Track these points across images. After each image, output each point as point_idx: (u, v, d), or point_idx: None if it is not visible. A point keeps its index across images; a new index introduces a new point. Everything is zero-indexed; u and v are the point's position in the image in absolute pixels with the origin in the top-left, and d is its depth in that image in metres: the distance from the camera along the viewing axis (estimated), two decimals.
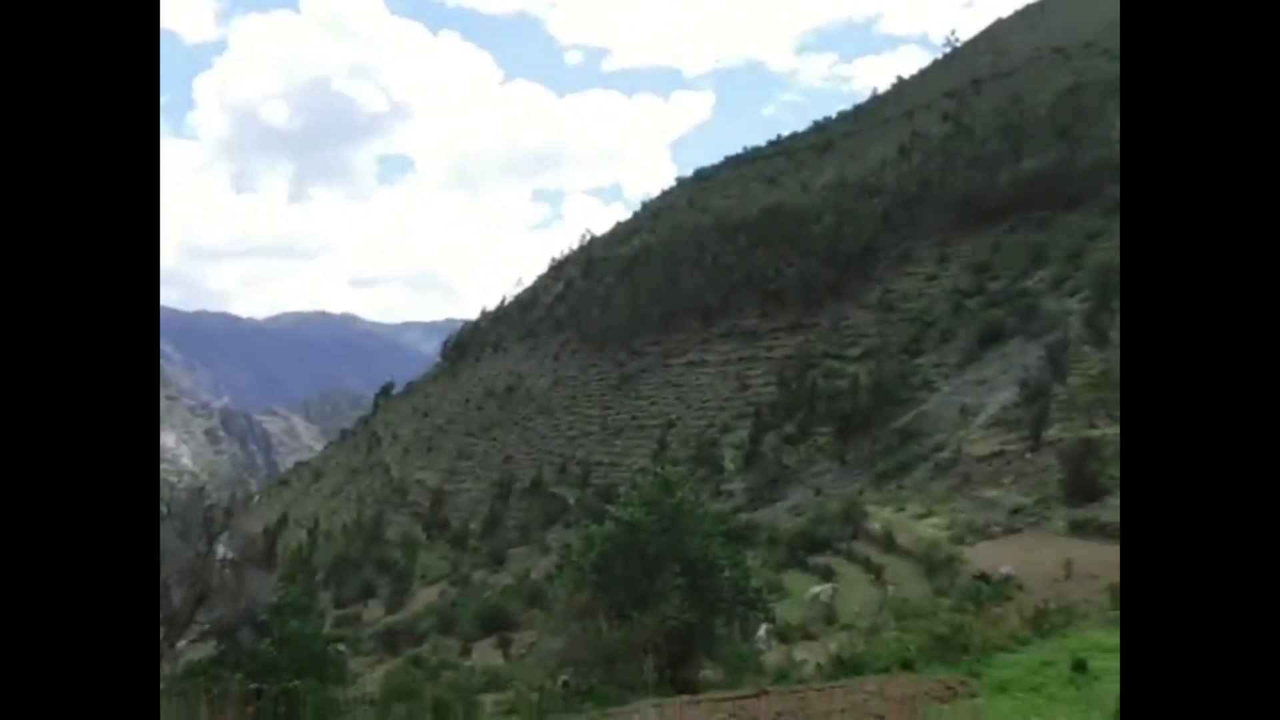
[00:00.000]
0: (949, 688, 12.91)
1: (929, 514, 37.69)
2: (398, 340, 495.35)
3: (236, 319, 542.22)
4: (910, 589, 27.04)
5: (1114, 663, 11.71)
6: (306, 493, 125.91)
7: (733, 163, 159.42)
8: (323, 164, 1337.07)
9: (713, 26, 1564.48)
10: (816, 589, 30.38)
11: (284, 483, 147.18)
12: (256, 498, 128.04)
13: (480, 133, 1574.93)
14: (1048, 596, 18.96)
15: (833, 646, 19.12)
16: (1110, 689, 11.34)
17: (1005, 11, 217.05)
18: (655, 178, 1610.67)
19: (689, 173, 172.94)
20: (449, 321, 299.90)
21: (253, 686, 12.99)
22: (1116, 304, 49.10)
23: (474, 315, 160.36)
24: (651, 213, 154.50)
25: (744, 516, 48.89)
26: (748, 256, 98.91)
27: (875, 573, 31.25)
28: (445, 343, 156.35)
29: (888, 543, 34.42)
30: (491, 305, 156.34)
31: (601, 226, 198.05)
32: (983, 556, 27.66)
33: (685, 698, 13.45)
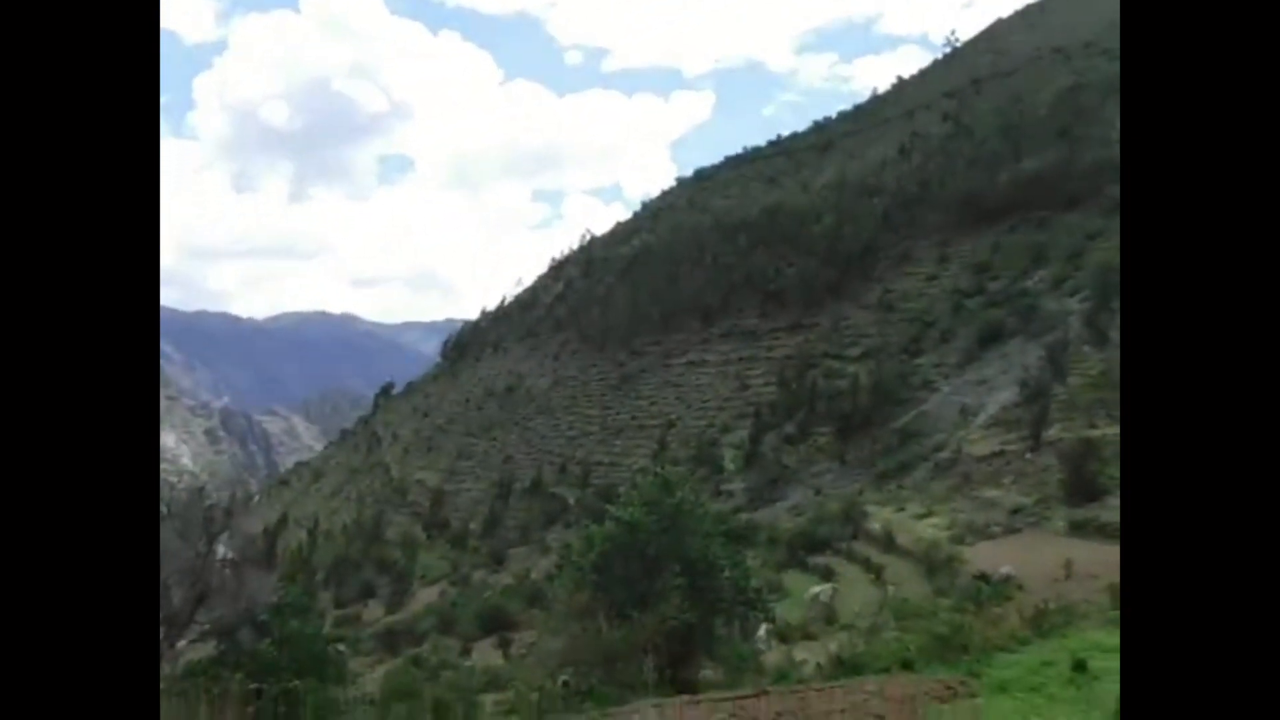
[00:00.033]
0: (949, 688, 12.91)
1: (929, 514, 37.70)
2: (398, 340, 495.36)
3: (236, 319, 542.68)
4: (910, 589, 27.04)
5: (1114, 663, 11.71)
6: (306, 493, 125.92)
7: (733, 163, 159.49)
8: (323, 164, 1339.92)
9: (713, 26, 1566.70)
10: (816, 589, 30.38)
11: (284, 483, 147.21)
12: (256, 498, 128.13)
13: (480, 133, 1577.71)
14: (1048, 596, 18.97)
15: (833, 646, 19.12)
16: (1110, 689, 11.34)
17: (1005, 11, 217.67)
18: (655, 178, 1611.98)
19: (689, 173, 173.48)
20: (449, 321, 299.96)
21: (253, 686, 12.99)
22: (1116, 304, 49.10)
23: (474, 315, 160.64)
24: (651, 213, 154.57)
25: (744, 516, 48.90)
26: (748, 256, 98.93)
27: (875, 573, 31.26)
28: (445, 343, 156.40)
29: (888, 543, 34.42)
30: (491, 305, 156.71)
31: (601, 226, 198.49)
32: (983, 556, 27.66)
33: (685, 698, 13.45)
